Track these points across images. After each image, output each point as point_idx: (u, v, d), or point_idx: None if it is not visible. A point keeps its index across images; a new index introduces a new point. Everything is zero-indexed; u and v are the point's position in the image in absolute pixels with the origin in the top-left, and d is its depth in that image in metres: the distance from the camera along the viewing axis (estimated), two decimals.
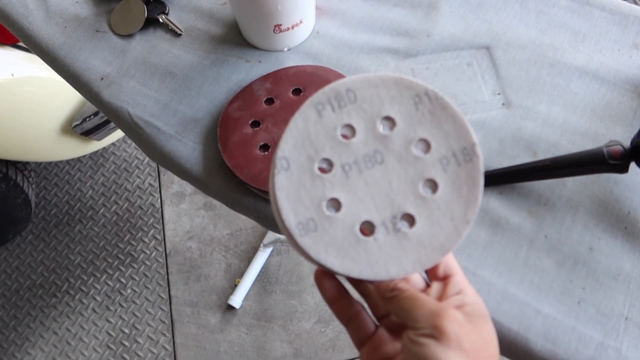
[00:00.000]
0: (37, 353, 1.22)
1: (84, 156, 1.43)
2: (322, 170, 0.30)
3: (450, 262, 0.32)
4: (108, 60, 0.54)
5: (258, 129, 0.47)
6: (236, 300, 1.21)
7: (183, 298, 1.25)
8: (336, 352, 1.17)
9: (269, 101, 0.48)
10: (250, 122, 0.47)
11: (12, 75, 1.02)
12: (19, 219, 1.27)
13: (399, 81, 0.30)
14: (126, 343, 1.22)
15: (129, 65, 0.54)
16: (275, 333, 1.20)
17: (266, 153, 0.45)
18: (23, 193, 1.22)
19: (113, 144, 1.44)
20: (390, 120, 0.30)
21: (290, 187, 0.30)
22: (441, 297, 0.30)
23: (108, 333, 1.23)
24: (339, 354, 1.17)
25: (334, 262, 0.29)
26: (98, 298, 1.27)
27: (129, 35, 0.55)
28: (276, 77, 0.49)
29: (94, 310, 1.26)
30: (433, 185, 0.30)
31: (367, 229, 0.30)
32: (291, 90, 0.48)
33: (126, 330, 1.23)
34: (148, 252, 1.32)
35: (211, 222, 1.34)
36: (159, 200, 1.38)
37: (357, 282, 0.32)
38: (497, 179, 0.45)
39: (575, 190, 0.44)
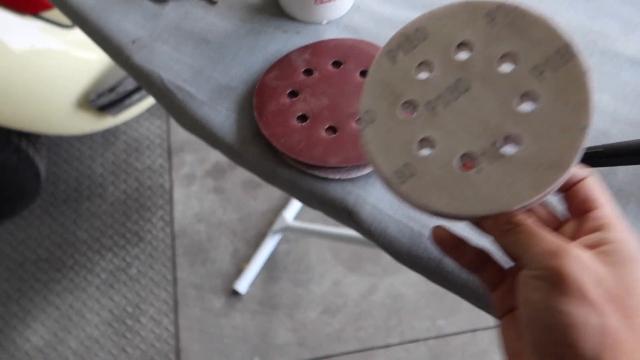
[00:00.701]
0: (39, 327, 1.21)
1: (96, 133, 1.42)
2: (406, 114, 0.29)
3: (591, 193, 0.26)
4: (140, 24, 0.53)
5: (296, 99, 0.45)
6: (242, 285, 1.20)
7: (188, 280, 1.24)
8: (341, 344, 1.16)
9: (308, 72, 0.47)
10: (287, 92, 0.46)
11: (32, 45, 1.01)
12: (28, 192, 1.26)
13: (466, 5, 0.28)
14: (128, 322, 1.21)
15: (162, 30, 0.52)
16: (280, 321, 1.19)
17: (304, 124, 0.44)
18: (34, 166, 1.21)
19: (125, 123, 1.43)
20: (466, 45, 0.28)
21: (379, 138, 0.28)
22: (575, 235, 0.25)
23: (111, 311, 1.22)
24: (344, 346, 1.16)
25: (438, 204, 0.27)
26: (103, 276, 1.26)
27: (162, 0, 0.54)
28: (315, 48, 0.48)
29: (97, 287, 1.25)
30: (530, 98, 0.27)
31: (468, 161, 0.28)
32: (331, 63, 0.47)
33: (129, 310, 1.22)
34: (155, 232, 1.31)
35: (220, 206, 1.32)
36: (169, 181, 1.37)
37: (478, 224, 0.28)
38: None
39: (627, 181, 0.42)
